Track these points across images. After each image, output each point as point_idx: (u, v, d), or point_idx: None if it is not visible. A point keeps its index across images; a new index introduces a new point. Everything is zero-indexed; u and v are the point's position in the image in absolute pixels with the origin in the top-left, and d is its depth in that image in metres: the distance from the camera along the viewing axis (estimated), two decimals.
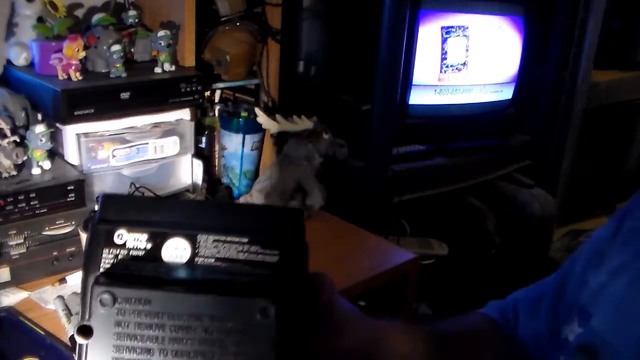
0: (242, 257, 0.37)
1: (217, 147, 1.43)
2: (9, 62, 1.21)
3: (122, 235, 0.37)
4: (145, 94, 1.16)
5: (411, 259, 1.22)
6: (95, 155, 1.11)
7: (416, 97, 1.55)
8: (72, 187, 1.04)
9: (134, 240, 0.37)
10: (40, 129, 1.03)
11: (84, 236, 0.89)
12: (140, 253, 0.36)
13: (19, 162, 1.03)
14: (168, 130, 1.21)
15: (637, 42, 2.17)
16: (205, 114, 1.42)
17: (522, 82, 1.72)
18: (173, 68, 1.23)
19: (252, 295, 0.35)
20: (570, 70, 1.89)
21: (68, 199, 1.04)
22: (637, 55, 2.19)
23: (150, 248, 0.37)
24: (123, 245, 0.36)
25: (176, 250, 0.37)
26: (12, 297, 0.99)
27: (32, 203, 1.00)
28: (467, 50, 1.58)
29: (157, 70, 1.21)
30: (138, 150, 1.16)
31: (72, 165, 1.10)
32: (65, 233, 1.05)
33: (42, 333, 0.90)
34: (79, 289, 1.09)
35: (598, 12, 1.81)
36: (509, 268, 1.81)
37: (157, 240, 0.37)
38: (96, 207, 0.38)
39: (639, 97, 2.25)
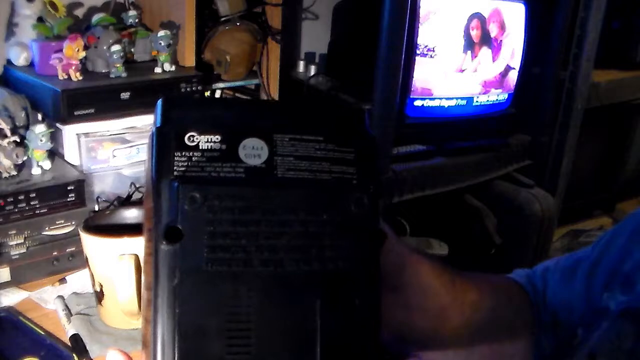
0: (320, 154, 0.36)
1: None
2: (9, 62, 1.21)
3: (194, 137, 0.35)
4: (145, 94, 1.16)
5: None
6: (95, 155, 1.11)
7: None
8: (72, 187, 1.04)
9: (207, 142, 0.35)
10: (40, 129, 1.03)
11: (84, 236, 0.89)
12: (216, 154, 0.35)
13: (19, 162, 1.03)
14: None
15: (637, 42, 2.17)
16: None
17: (522, 82, 1.72)
18: (173, 68, 1.23)
19: (343, 188, 0.35)
20: (570, 70, 1.89)
21: (68, 199, 1.04)
22: (637, 55, 2.19)
23: (226, 149, 0.35)
24: (196, 147, 0.35)
25: (253, 150, 0.35)
26: (12, 297, 0.99)
27: (32, 203, 1.00)
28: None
29: (157, 70, 1.21)
30: (138, 150, 1.16)
31: (72, 165, 1.10)
32: (65, 233, 1.04)
33: (42, 333, 0.90)
34: (79, 289, 1.09)
35: (598, 12, 1.81)
36: (509, 268, 1.81)
37: (232, 141, 0.35)
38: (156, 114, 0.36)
39: (639, 97, 2.24)
